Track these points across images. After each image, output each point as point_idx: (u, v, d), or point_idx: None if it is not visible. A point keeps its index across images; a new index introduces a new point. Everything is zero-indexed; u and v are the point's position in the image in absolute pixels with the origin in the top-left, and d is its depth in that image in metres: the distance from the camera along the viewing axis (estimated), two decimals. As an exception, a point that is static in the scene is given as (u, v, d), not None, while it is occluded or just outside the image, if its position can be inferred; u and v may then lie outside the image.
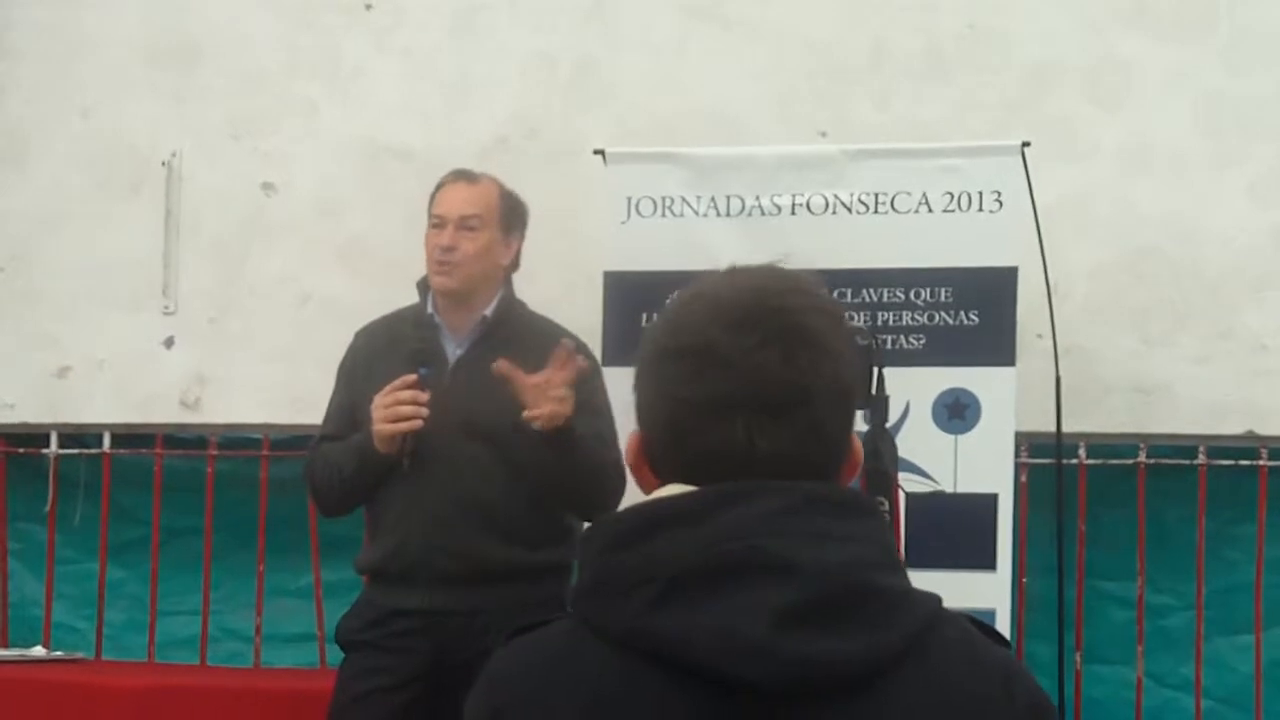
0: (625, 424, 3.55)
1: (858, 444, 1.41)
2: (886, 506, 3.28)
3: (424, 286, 3.70)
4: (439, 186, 3.71)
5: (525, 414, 3.38)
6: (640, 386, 1.39)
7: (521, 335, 3.65)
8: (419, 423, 3.46)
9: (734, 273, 1.39)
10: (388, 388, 3.47)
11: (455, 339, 3.65)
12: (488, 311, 3.64)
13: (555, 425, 3.39)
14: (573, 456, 3.44)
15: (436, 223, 3.64)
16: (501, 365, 3.38)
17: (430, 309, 3.66)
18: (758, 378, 1.33)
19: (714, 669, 1.27)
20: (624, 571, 1.31)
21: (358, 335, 3.78)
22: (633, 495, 1.42)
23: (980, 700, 1.32)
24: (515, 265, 3.73)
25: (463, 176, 3.70)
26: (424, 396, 3.46)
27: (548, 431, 3.39)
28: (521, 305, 3.73)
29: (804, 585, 1.28)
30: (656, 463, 1.39)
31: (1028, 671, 1.39)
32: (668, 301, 1.41)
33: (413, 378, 3.47)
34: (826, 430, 1.35)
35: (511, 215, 3.71)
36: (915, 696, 1.30)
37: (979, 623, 1.40)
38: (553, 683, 1.33)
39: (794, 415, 1.33)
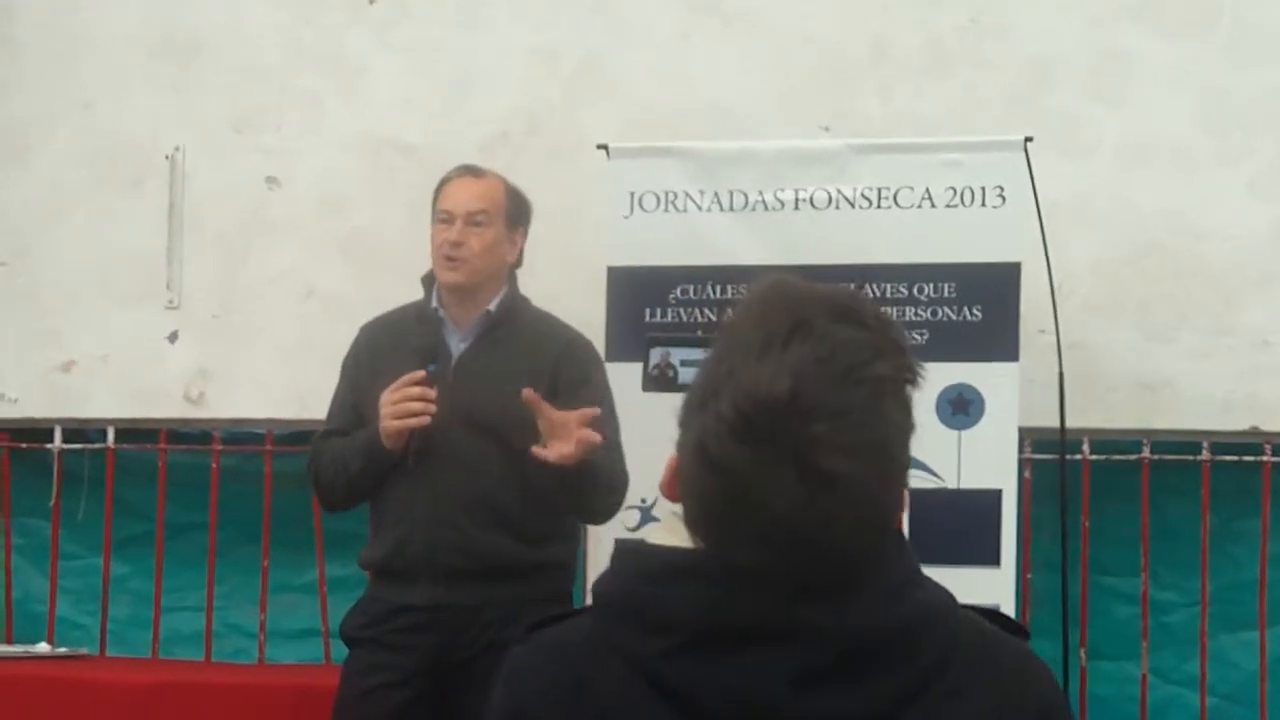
0: (626, 417, 3.59)
1: (904, 500, 1.35)
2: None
3: (429, 281, 3.69)
4: (444, 182, 3.70)
5: (534, 449, 3.37)
6: (682, 437, 1.34)
7: (524, 331, 3.65)
8: (427, 419, 3.46)
9: (767, 355, 1.28)
10: (395, 384, 3.46)
11: (459, 333, 3.64)
12: (491, 306, 3.64)
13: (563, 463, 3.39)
14: (575, 484, 3.45)
15: (444, 218, 3.63)
16: (530, 394, 3.37)
17: (435, 303, 3.66)
18: (789, 530, 1.27)
19: None
20: (646, 609, 1.31)
21: (362, 331, 3.78)
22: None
23: (995, 711, 1.32)
24: (519, 262, 3.73)
25: (468, 172, 3.70)
26: (432, 393, 3.46)
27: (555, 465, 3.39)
28: (525, 301, 3.73)
29: (825, 648, 1.28)
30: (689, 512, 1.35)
31: (1043, 669, 1.39)
32: (706, 356, 1.34)
33: (421, 374, 3.47)
34: (861, 548, 1.30)
35: (517, 212, 3.71)
36: None
37: (996, 614, 1.40)
38: (574, 688, 1.33)
39: (829, 553, 1.28)
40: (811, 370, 1.27)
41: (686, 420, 1.33)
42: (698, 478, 1.31)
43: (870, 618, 1.29)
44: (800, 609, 1.28)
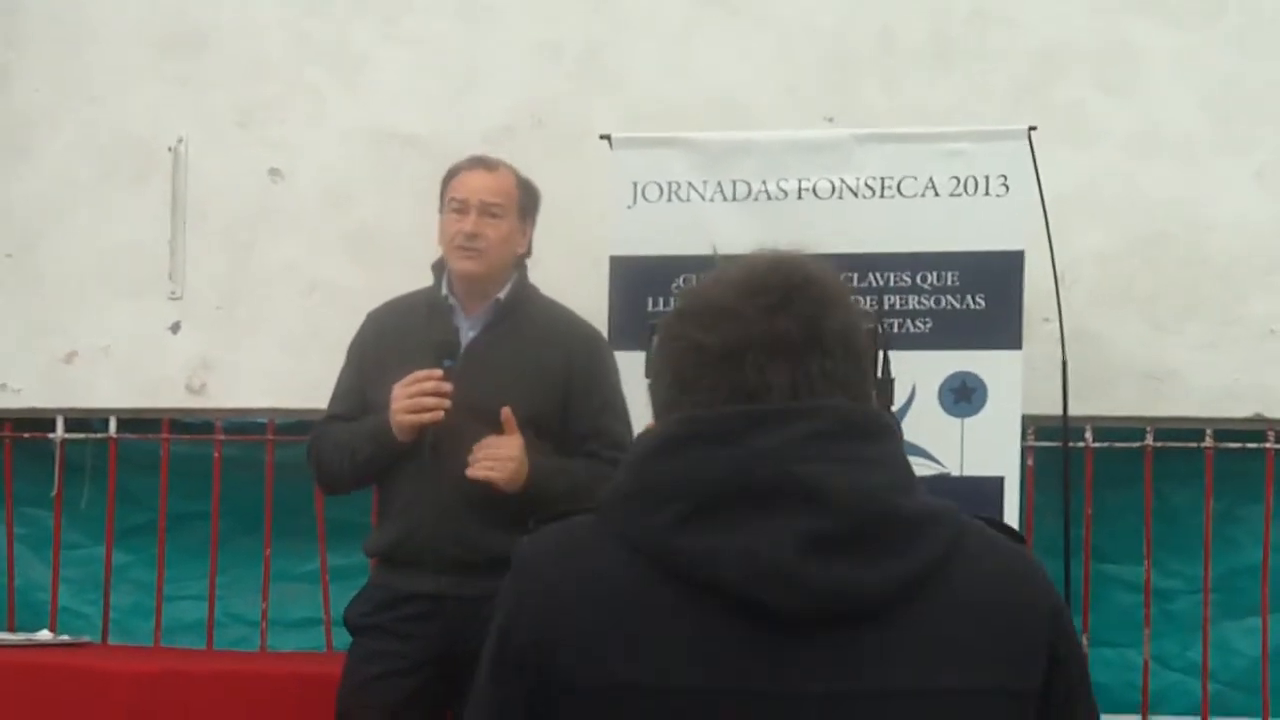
0: (630, 405, 3.59)
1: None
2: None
3: (439, 268, 3.69)
4: (455, 171, 3.68)
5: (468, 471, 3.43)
6: (657, 354, 1.44)
7: (534, 320, 3.65)
8: (440, 415, 3.46)
9: (752, 254, 1.46)
10: (410, 378, 3.46)
11: (469, 321, 3.64)
12: (501, 295, 3.64)
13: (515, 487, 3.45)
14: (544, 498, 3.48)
15: (458, 207, 3.61)
16: (506, 414, 3.44)
17: (445, 290, 3.66)
18: (768, 325, 1.37)
19: (737, 592, 1.31)
20: (656, 484, 1.36)
21: (369, 317, 3.77)
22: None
23: (1001, 613, 1.37)
24: (528, 252, 3.74)
25: (480, 164, 3.68)
26: (447, 388, 3.45)
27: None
28: (534, 290, 3.73)
29: (833, 513, 1.31)
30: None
31: (1044, 574, 1.44)
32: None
33: (438, 372, 3.47)
34: (838, 377, 1.38)
35: (528, 203, 3.71)
36: (940, 618, 1.34)
37: (996, 522, 1.46)
38: (572, 573, 1.39)
39: (806, 358, 1.37)
40: (788, 258, 1.45)
41: (661, 324, 1.46)
42: (677, 329, 1.42)
43: (876, 483, 1.34)
44: (805, 464, 1.32)
